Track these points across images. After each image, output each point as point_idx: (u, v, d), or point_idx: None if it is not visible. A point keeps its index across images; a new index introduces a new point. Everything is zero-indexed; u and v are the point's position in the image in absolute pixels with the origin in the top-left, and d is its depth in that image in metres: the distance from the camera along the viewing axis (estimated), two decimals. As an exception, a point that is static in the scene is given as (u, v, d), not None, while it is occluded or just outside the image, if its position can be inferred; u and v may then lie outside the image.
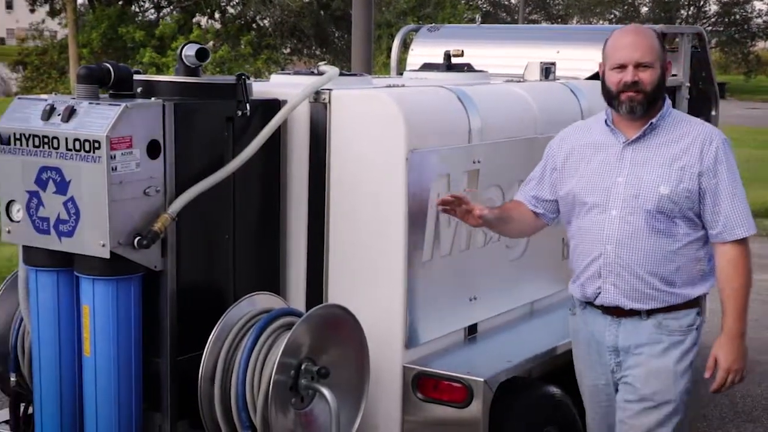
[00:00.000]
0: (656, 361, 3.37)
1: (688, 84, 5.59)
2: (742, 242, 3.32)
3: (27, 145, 3.17)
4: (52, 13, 31.61)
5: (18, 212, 3.22)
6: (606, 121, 3.43)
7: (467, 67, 4.60)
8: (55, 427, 3.31)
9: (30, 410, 3.54)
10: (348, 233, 3.63)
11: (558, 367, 3.95)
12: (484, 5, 35.98)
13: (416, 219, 3.55)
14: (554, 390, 3.89)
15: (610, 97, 3.37)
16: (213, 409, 3.23)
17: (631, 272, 3.33)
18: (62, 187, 3.12)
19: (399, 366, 3.58)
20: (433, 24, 7.01)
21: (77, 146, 3.06)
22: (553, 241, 4.29)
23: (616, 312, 3.40)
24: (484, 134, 3.88)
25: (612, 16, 34.50)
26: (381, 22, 26.78)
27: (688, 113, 5.73)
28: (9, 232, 3.26)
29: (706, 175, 3.28)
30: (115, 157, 3.04)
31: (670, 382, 3.37)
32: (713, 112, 6.01)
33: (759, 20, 42.53)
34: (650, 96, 3.31)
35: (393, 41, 6.28)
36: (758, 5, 46.31)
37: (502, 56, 5.29)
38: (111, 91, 3.29)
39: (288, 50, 30.70)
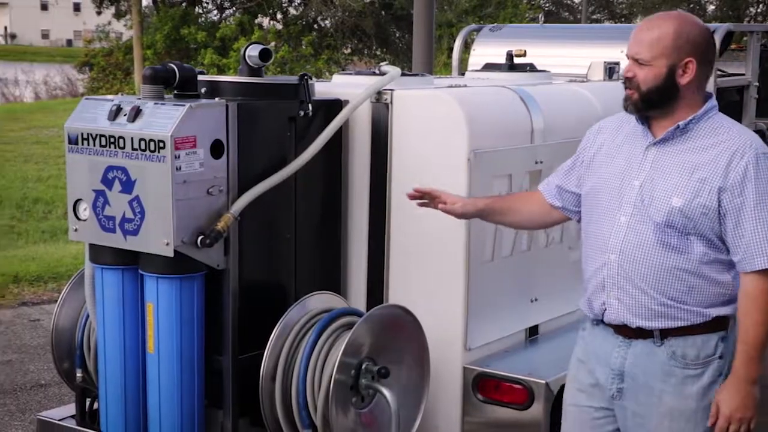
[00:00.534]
0: (671, 399, 2.94)
1: (757, 83, 5.50)
2: (765, 275, 2.84)
3: (94, 145, 3.21)
4: (118, 15, 32.07)
5: (85, 211, 3.27)
6: (636, 117, 3.04)
7: (530, 67, 4.57)
8: (120, 422, 3.36)
9: (95, 405, 3.59)
10: (409, 233, 3.62)
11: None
12: (547, 4, 35.72)
13: (478, 220, 3.54)
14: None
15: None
16: (274, 407, 3.25)
17: (634, 286, 2.95)
18: (128, 186, 3.16)
19: (459, 367, 3.57)
20: (495, 24, 6.98)
21: (142, 146, 3.10)
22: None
23: (625, 332, 3.00)
24: (547, 135, 3.85)
25: (677, 14, 33.97)
26: (442, 21, 26.73)
27: (757, 113, 5.65)
28: (76, 230, 3.31)
29: (729, 193, 2.84)
30: (179, 156, 3.07)
31: (688, 425, 2.94)
32: None
33: (830, 17, 41.61)
34: (645, 97, 2.92)
35: (454, 41, 6.26)
36: (830, 2, 45.31)
37: (565, 56, 5.25)
38: (176, 92, 3.33)
39: (349, 50, 30.78)
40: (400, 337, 3.35)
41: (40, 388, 5.95)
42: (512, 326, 3.81)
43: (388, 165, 3.63)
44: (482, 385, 3.55)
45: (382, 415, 3.28)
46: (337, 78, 4.09)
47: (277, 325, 3.26)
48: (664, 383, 2.95)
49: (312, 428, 3.22)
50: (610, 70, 4.69)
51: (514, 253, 3.76)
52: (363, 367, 3.22)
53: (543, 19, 6.40)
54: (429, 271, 3.60)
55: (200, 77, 3.40)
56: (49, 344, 3.99)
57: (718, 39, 4.80)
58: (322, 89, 3.67)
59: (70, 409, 3.75)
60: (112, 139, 3.17)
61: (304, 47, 27.70)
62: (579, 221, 3.22)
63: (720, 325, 2.95)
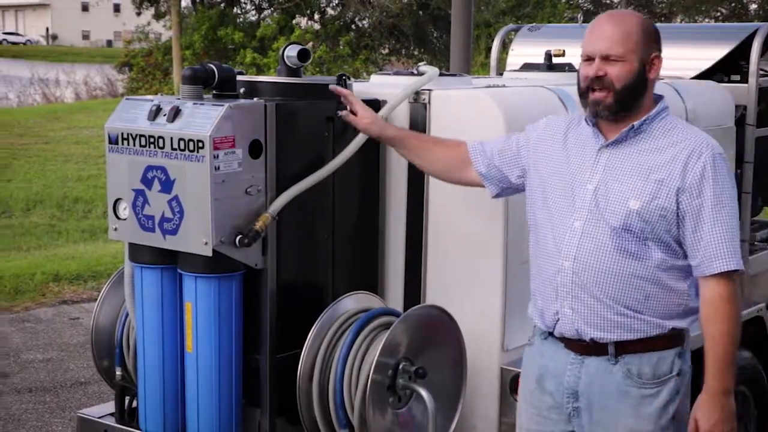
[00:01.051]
0: (628, 420, 2.85)
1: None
2: (726, 279, 2.74)
3: (134, 145, 3.23)
4: (158, 16, 32.32)
5: (124, 210, 3.29)
6: (586, 119, 2.95)
7: (568, 67, 4.54)
8: (158, 420, 3.38)
9: (134, 403, 3.62)
10: (447, 233, 3.62)
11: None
12: (585, 4, 35.51)
13: (515, 219, 3.52)
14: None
15: (580, 93, 2.90)
16: (311, 406, 3.26)
17: (590, 294, 2.83)
18: (167, 185, 3.18)
19: (497, 367, 3.55)
20: (534, 23, 6.95)
21: (182, 146, 3.12)
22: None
23: (578, 348, 2.90)
24: (586, 135, 3.82)
25: (718, 13, 33.67)
26: (480, 21, 26.65)
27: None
28: (116, 229, 3.34)
29: (687, 194, 2.76)
30: (218, 156, 3.08)
31: None
32: None
33: None
34: (620, 95, 2.80)
35: (492, 41, 6.25)
36: None
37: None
38: (215, 92, 3.35)
39: (386, 50, 30.79)
40: (437, 337, 3.34)
41: (80, 385, 6.01)
42: (550, 327, 3.78)
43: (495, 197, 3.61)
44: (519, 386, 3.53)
45: (419, 416, 3.28)
46: (375, 78, 4.09)
47: (315, 324, 3.27)
48: (620, 403, 2.86)
49: (349, 428, 3.22)
50: (650, 69, 4.63)
51: (553, 254, 3.74)
52: (400, 367, 3.21)
53: (582, 18, 6.36)
54: (467, 271, 3.59)
55: (239, 77, 3.42)
56: (88, 342, 4.03)
57: (760, 38, 4.74)
58: (360, 89, 3.67)
59: (110, 406, 3.77)
60: (151, 139, 3.19)
61: (341, 47, 27.75)
62: (495, 196, 3.20)
63: (676, 340, 2.88)
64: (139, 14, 32.86)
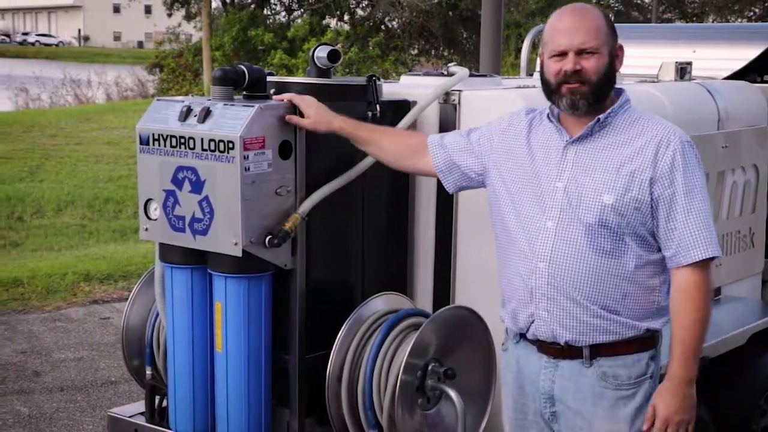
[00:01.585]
0: (603, 423, 2.83)
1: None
2: (701, 268, 2.73)
3: (164, 146, 3.25)
4: (188, 17, 32.52)
5: (155, 211, 3.31)
6: (549, 116, 2.91)
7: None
8: (188, 420, 3.39)
9: (164, 403, 3.63)
10: (476, 234, 3.61)
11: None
12: (616, 4, 35.31)
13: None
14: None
15: (549, 90, 2.85)
16: (340, 407, 3.26)
17: (566, 296, 2.79)
18: (197, 186, 3.19)
19: (526, 369, 3.53)
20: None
21: (212, 146, 3.13)
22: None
23: (552, 352, 2.86)
24: (616, 136, 3.80)
25: (751, 13, 33.35)
26: (510, 22, 26.59)
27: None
28: (146, 230, 3.35)
29: (659, 184, 2.73)
30: (248, 157, 3.09)
31: None
32: None
33: None
34: (596, 87, 2.78)
35: (522, 42, 6.23)
36: None
37: (635, 56, 5.17)
38: (245, 93, 3.35)
39: (416, 51, 30.79)
40: (466, 338, 3.33)
41: (111, 385, 6.05)
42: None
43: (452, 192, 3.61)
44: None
45: (449, 417, 3.27)
46: (405, 79, 4.08)
47: (344, 325, 3.27)
48: (594, 406, 2.83)
49: (378, 428, 3.22)
50: (682, 70, 4.61)
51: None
52: (429, 368, 3.21)
53: (613, 18, 6.34)
54: (496, 272, 3.57)
55: (269, 78, 3.42)
56: (119, 342, 4.05)
57: None
58: (390, 90, 3.67)
59: (140, 406, 3.79)
60: (182, 140, 3.20)
61: (371, 48, 27.77)
62: (452, 192, 3.18)
63: (650, 342, 2.86)
64: (170, 15, 33.07)
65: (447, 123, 3.60)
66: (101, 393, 5.92)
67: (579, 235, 2.78)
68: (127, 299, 3.81)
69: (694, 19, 34.03)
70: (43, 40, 69.26)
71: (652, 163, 2.75)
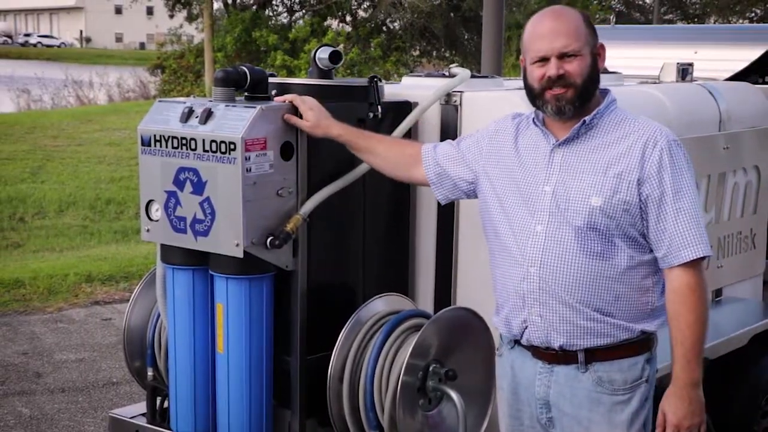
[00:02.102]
0: (601, 429, 2.81)
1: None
2: (694, 268, 2.69)
3: (166, 147, 3.25)
4: (190, 19, 32.53)
5: (157, 212, 3.31)
6: (534, 120, 2.89)
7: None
8: (189, 421, 3.39)
9: (166, 404, 3.64)
10: (477, 235, 3.60)
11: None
12: (617, 5, 35.30)
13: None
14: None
15: (534, 96, 2.82)
16: (341, 408, 3.26)
17: (559, 300, 2.76)
18: (199, 187, 3.19)
19: (527, 370, 3.54)
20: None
21: (213, 147, 3.13)
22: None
23: (547, 357, 2.84)
24: (618, 137, 3.80)
25: (753, 14, 33.34)
26: (511, 23, 26.59)
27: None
28: (148, 230, 3.35)
29: (647, 184, 2.70)
30: (249, 158, 3.09)
31: None
32: None
33: None
34: (582, 90, 2.75)
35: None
36: None
37: (637, 57, 5.18)
38: (246, 94, 3.36)
39: (417, 52, 30.79)
40: (467, 339, 3.33)
41: (112, 386, 6.05)
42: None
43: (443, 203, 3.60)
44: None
45: (450, 418, 3.27)
46: (406, 80, 4.09)
47: (346, 326, 3.27)
48: (591, 412, 2.81)
49: (379, 429, 3.22)
50: (683, 71, 4.61)
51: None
52: (430, 369, 3.21)
53: (614, 19, 6.33)
54: (497, 273, 3.57)
55: (271, 79, 3.43)
56: (120, 343, 4.06)
57: None
58: (391, 91, 3.67)
59: (141, 407, 3.79)
60: (183, 141, 3.21)
61: (372, 49, 27.77)
62: (444, 203, 3.17)
63: (645, 345, 2.82)
64: (171, 17, 33.10)
65: (448, 124, 3.60)
66: (102, 394, 5.92)
67: (569, 238, 2.76)
68: (128, 300, 3.82)
69: (696, 20, 34.02)
70: (45, 41, 69.30)
71: (639, 164, 2.72)
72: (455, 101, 3.59)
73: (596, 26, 2.91)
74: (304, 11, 30.93)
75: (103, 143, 17.20)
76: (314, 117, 3.17)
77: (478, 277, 3.62)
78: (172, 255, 3.34)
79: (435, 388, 3.22)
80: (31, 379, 6.16)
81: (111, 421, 3.77)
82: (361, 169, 3.39)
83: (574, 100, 2.76)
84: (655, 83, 4.52)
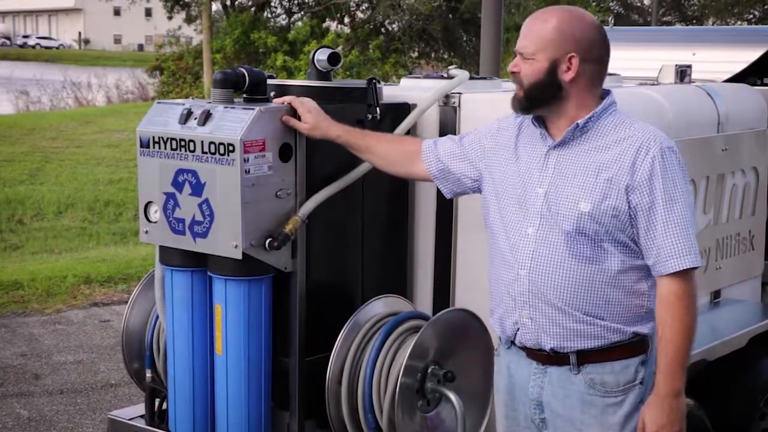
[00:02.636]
0: (593, 431, 2.81)
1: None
2: (682, 277, 2.66)
3: (165, 148, 3.25)
4: (189, 20, 32.51)
5: (155, 213, 3.31)
6: (533, 120, 2.88)
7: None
8: (188, 423, 3.39)
9: (164, 405, 3.64)
10: (476, 236, 3.61)
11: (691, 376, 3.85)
12: (616, 7, 35.33)
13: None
14: (685, 400, 3.79)
15: None
16: (340, 409, 3.26)
17: (548, 303, 2.76)
18: (197, 189, 3.19)
19: (526, 372, 3.54)
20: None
21: (212, 149, 3.13)
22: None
23: (540, 358, 2.83)
24: (616, 138, 3.80)
25: (751, 16, 33.36)
26: (510, 25, 26.59)
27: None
28: (147, 232, 3.36)
29: (638, 192, 2.67)
30: (248, 159, 3.10)
31: None
32: None
33: None
34: (528, 92, 2.75)
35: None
36: None
37: (635, 59, 5.18)
38: (245, 95, 3.36)
39: (416, 54, 30.79)
40: (466, 341, 3.33)
41: (111, 387, 6.04)
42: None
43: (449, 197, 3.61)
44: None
45: (448, 419, 3.27)
46: (405, 81, 4.09)
47: (344, 327, 3.27)
48: (583, 414, 2.79)
49: (378, 431, 3.22)
50: (682, 72, 4.61)
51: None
52: (429, 370, 3.21)
53: (612, 21, 6.34)
54: (496, 275, 3.58)
55: (269, 81, 3.43)
56: (119, 345, 4.05)
57: None
58: (390, 93, 3.67)
59: (140, 408, 3.79)
60: (182, 143, 3.21)
61: (371, 51, 27.78)
62: (450, 197, 3.17)
63: (639, 347, 2.79)
64: (170, 18, 33.07)
65: (447, 126, 3.60)
66: (101, 396, 5.91)
67: (558, 241, 2.74)
68: (127, 302, 3.82)
69: (694, 21, 34.05)
70: (44, 42, 69.29)
71: (629, 171, 2.69)
72: (454, 103, 3.60)
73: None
74: (302, 13, 30.93)
75: (102, 145, 17.20)
76: (312, 119, 3.17)
77: (476, 279, 3.62)
78: (170, 256, 3.34)
79: (434, 390, 3.22)
80: (30, 380, 6.16)
81: (109, 422, 3.77)
82: (360, 171, 3.39)
83: (521, 100, 2.80)
84: (653, 85, 4.52)
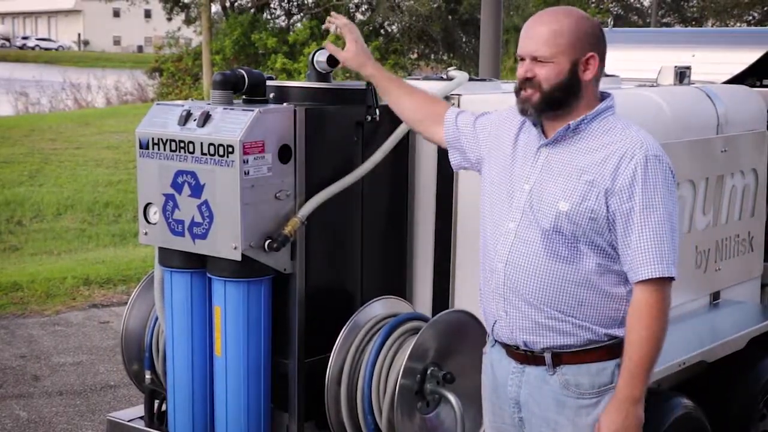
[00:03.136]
0: (567, 431, 2.79)
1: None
2: (654, 286, 2.64)
3: (164, 150, 3.25)
4: (188, 22, 32.51)
5: (155, 215, 3.31)
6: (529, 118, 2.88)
7: (598, 72, 4.51)
8: (187, 424, 3.39)
9: (164, 407, 3.64)
10: (475, 238, 3.60)
11: (690, 378, 3.85)
12: (615, 8, 35.36)
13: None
14: (685, 401, 3.79)
15: (516, 93, 2.82)
16: (339, 411, 3.26)
17: (521, 298, 2.76)
18: (197, 190, 3.19)
19: (525, 373, 3.53)
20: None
21: (212, 150, 3.13)
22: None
23: (518, 357, 2.82)
24: (615, 140, 3.80)
25: (750, 17, 33.38)
26: (509, 26, 26.60)
27: None
28: (146, 233, 3.36)
29: (617, 197, 2.65)
30: (247, 161, 3.10)
31: None
32: None
33: None
34: (548, 96, 2.72)
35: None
36: None
37: (635, 60, 5.18)
38: (245, 97, 3.36)
39: (415, 55, 30.79)
40: (465, 342, 3.33)
41: (110, 389, 6.04)
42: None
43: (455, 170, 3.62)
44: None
45: (448, 420, 3.27)
46: (404, 83, 4.08)
47: (344, 329, 3.27)
48: (558, 414, 2.78)
49: (377, 433, 3.22)
50: (681, 74, 4.61)
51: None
52: (428, 372, 3.21)
53: (611, 22, 6.33)
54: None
55: (268, 82, 3.43)
56: (118, 346, 4.05)
57: None
58: (389, 94, 3.66)
59: (139, 410, 3.79)
60: (182, 144, 3.21)
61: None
62: (456, 168, 3.16)
63: (616, 350, 2.75)
64: (169, 20, 33.08)
65: (446, 127, 3.60)
66: (100, 397, 5.91)
67: (536, 238, 2.74)
68: (126, 303, 3.81)
69: (693, 23, 34.08)
70: (43, 44, 69.24)
71: (611, 176, 2.68)
72: (453, 104, 3.60)
73: (594, 29, 2.88)
74: (302, 14, 30.94)
75: (101, 146, 17.19)
76: (354, 49, 3.22)
77: (475, 280, 3.62)
78: (170, 258, 3.34)
79: (433, 391, 3.22)
80: (29, 382, 6.15)
81: (109, 424, 3.77)
82: (359, 172, 3.39)
83: (537, 104, 2.74)
84: (652, 86, 4.52)
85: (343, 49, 3.28)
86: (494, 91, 3.90)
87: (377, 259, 3.62)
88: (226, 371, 3.27)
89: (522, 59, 2.77)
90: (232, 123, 3.13)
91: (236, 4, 30.87)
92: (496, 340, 2.91)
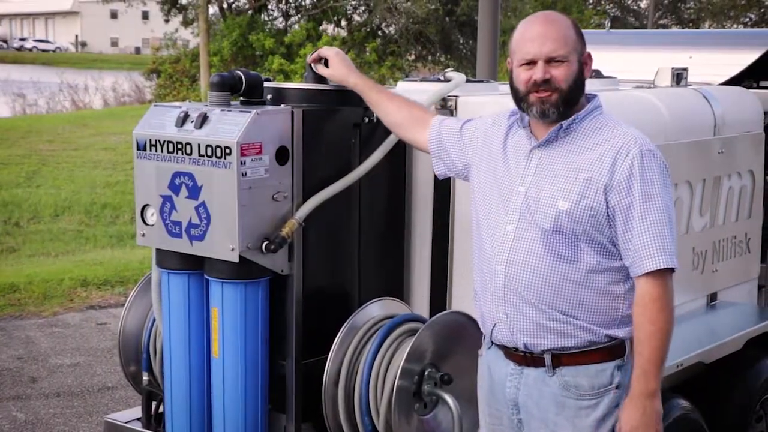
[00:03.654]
0: None
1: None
2: (657, 278, 2.67)
3: (161, 151, 3.25)
4: (185, 23, 32.49)
5: (152, 216, 3.31)
6: (517, 121, 2.92)
7: (595, 73, 4.52)
8: (185, 425, 3.39)
9: (161, 408, 3.63)
10: (473, 239, 3.61)
11: (688, 379, 3.86)
12: (613, 10, 35.37)
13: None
14: (682, 402, 3.79)
15: (519, 98, 2.84)
16: (337, 412, 3.26)
17: (522, 299, 2.78)
18: (194, 191, 3.19)
19: (523, 375, 3.54)
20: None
21: (209, 152, 3.13)
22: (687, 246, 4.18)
23: (517, 359, 2.84)
24: (613, 141, 3.81)
25: (747, 19, 33.40)
26: (506, 27, 26.58)
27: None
28: (143, 235, 3.36)
29: (616, 192, 2.70)
30: (245, 162, 3.10)
31: None
32: None
33: None
34: (567, 95, 2.76)
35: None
36: None
37: (632, 62, 5.19)
38: (242, 98, 3.36)
39: (413, 57, 30.78)
40: (463, 343, 3.33)
41: (107, 390, 6.04)
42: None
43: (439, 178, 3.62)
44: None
45: (445, 422, 3.27)
46: (402, 84, 4.09)
47: (341, 330, 3.27)
48: (557, 416, 2.80)
49: (375, 434, 3.22)
50: (678, 75, 4.62)
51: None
52: (426, 373, 3.21)
53: (609, 24, 6.34)
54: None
55: (266, 84, 3.43)
56: (116, 347, 4.06)
57: None
58: (386, 96, 3.66)
59: (136, 411, 3.79)
60: (179, 146, 3.21)
61: (368, 54, 27.78)
62: (440, 176, 3.21)
63: (616, 352, 2.79)
64: (167, 21, 33.04)
65: (444, 128, 3.60)
66: (98, 399, 5.91)
67: (535, 239, 2.77)
68: (123, 305, 3.82)
69: (690, 24, 34.10)
70: (41, 45, 69.18)
71: (609, 172, 2.71)
72: (450, 105, 3.60)
73: (591, 31, 2.93)
74: (299, 16, 30.93)
75: (99, 148, 17.20)
76: (339, 65, 3.33)
77: (473, 282, 3.62)
78: (167, 259, 3.34)
79: (430, 393, 3.22)
80: (26, 383, 6.15)
81: (106, 425, 3.77)
82: (356, 173, 3.39)
83: (558, 104, 2.77)
84: (650, 88, 4.52)
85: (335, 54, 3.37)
86: (492, 92, 3.90)
87: (374, 261, 3.62)
88: (223, 373, 3.27)
89: (530, 63, 2.78)
90: (230, 124, 3.13)
91: (234, 5, 30.84)
92: (493, 342, 2.92)
